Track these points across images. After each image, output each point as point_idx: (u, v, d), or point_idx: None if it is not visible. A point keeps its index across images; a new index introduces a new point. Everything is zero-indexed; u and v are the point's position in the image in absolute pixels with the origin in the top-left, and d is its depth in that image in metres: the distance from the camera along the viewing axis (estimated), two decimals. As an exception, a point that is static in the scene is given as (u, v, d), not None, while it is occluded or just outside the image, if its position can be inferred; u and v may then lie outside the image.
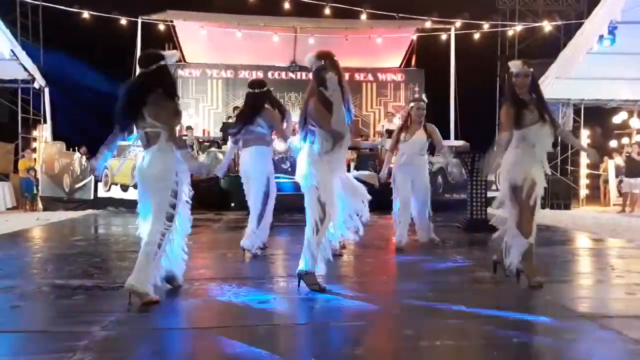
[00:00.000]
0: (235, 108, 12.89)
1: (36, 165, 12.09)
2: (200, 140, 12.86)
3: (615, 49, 11.36)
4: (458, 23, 13.67)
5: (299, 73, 15.39)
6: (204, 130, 14.72)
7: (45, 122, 12.63)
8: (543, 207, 12.37)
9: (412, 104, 6.02)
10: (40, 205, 11.51)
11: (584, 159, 14.18)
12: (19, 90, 12.43)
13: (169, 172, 3.41)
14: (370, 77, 15.70)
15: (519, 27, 14.18)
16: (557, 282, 4.10)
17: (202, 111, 15.27)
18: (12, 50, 11.10)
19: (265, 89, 5.17)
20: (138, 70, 3.58)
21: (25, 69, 11.71)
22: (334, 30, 14.01)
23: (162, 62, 3.48)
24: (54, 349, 2.46)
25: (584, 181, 14.14)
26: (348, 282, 4.08)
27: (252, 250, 5.02)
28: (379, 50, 14.78)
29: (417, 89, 15.48)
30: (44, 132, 12.80)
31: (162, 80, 3.47)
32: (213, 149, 11.72)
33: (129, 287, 3.21)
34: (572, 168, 14.25)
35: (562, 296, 3.60)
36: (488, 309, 3.19)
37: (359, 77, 15.67)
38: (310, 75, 3.77)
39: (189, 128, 12.57)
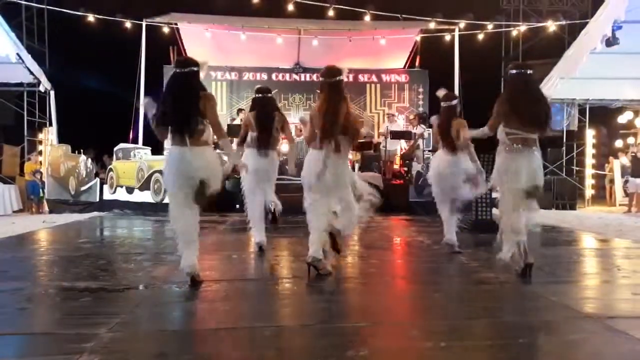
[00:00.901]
0: (239, 110, 12.90)
1: (42, 168, 12.16)
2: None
3: (620, 48, 11.33)
4: (462, 24, 13.63)
5: (303, 75, 15.39)
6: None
7: (50, 125, 12.69)
8: (548, 207, 12.37)
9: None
10: (46, 208, 11.57)
11: (589, 159, 14.14)
12: (25, 94, 12.50)
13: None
14: (374, 78, 15.67)
15: (523, 27, 14.14)
16: (563, 283, 4.10)
17: (207, 113, 15.28)
18: (17, 54, 11.17)
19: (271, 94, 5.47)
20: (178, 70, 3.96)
21: (31, 73, 11.77)
22: (337, 31, 14.00)
23: (192, 68, 3.92)
24: (61, 351, 2.47)
25: (589, 181, 14.08)
26: (352, 283, 4.08)
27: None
28: (383, 51, 14.75)
29: (421, 89, 15.46)
30: (49, 135, 12.87)
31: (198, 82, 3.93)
32: (217, 150, 11.72)
33: (192, 271, 3.73)
34: (577, 168, 14.20)
35: (567, 297, 3.59)
36: (493, 310, 3.19)
37: (362, 78, 15.65)
38: (326, 83, 4.16)
39: None
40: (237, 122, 11.88)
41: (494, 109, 4.28)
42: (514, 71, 4.26)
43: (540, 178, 4.10)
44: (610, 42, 10.92)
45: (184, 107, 3.75)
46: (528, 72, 4.22)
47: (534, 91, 4.20)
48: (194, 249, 3.85)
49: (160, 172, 10.60)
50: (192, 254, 3.82)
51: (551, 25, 13.35)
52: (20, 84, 12.28)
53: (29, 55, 11.67)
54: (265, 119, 5.29)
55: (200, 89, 3.89)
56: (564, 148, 14.09)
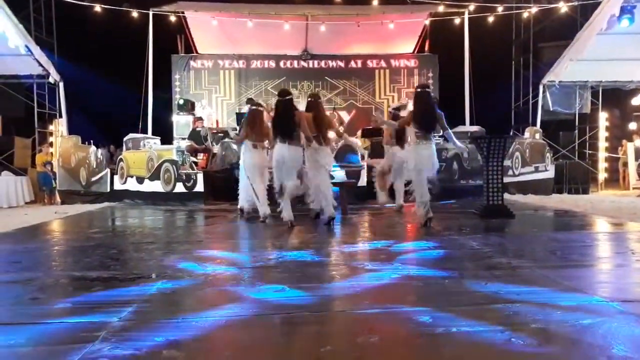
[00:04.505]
0: (249, 100, 12.86)
1: (53, 160, 12.24)
2: (213, 131, 12.90)
3: (633, 29, 11.13)
4: (472, 6, 13.45)
5: (311, 61, 15.30)
6: (217, 121, 14.76)
7: (60, 116, 12.75)
8: (561, 191, 12.27)
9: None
10: (58, 199, 11.66)
11: (602, 142, 13.96)
12: (35, 86, 12.55)
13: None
14: (383, 64, 15.56)
15: (534, 9, 13.91)
16: (576, 267, 4.06)
17: (215, 102, 15.30)
18: (26, 46, 11.21)
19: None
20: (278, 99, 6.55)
21: (40, 64, 11.81)
22: (345, 16, 13.88)
23: (290, 96, 6.53)
24: (73, 340, 2.48)
25: (602, 164, 13.93)
26: (362, 269, 4.07)
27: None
28: (392, 36, 14.61)
29: (431, 74, 15.32)
30: (59, 127, 12.94)
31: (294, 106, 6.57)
32: (227, 139, 11.72)
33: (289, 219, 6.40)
34: (590, 151, 14.04)
35: (581, 281, 3.56)
36: (505, 295, 3.16)
37: (371, 63, 15.54)
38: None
39: (199, 119, 12.58)
40: (244, 110, 11.86)
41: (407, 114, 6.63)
42: (418, 90, 6.47)
43: (436, 162, 6.28)
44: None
45: (285, 122, 6.36)
46: (427, 90, 6.50)
47: (429, 105, 6.28)
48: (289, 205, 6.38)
49: (169, 161, 10.64)
50: (289, 208, 6.35)
51: (563, 7, 13.12)
52: (30, 76, 12.34)
53: (38, 47, 11.70)
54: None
55: (295, 110, 6.48)
56: (576, 132, 13.92)
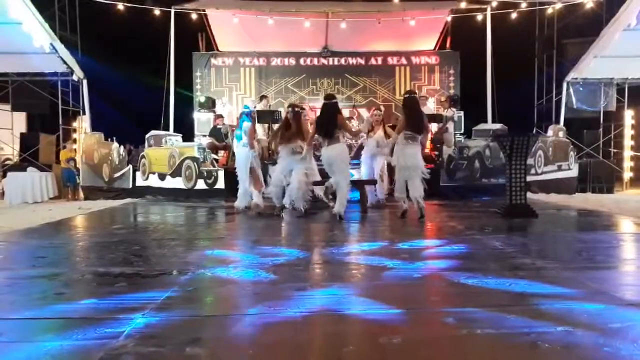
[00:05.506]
0: (262, 97, 12.91)
1: (76, 156, 12.42)
2: (233, 128, 12.96)
3: (661, 24, 10.87)
4: (494, 2, 13.27)
5: (331, 59, 15.27)
6: (237, 119, 14.80)
7: (84, 113, 12.93)
8: (584, 191, 12.06)
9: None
10: (81, 195, 11.84)
11: (628, 141, 13.68)
12: (59, 83, 12.75)
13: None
14: (403, 61, 15.43)
15: (558, 5, 13.66)
16: (602, 269, 3.98)
17: (236, 99, 15.36)
18: (51, 44, 11.39)
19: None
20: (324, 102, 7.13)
21: (64, 62, 11.99)
22: (365, 13, 13.81)
23: (335, 100, 7.07)
24: (98, 336, 2.52)
25: (628, 163, 13.64)
26: (384, 269, 4.04)
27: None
28: (413, 32, 14.49)
29: (452, 71, 15.17)
30: (83, 123, 13.13)
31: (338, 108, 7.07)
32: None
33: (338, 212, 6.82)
34: (615, 150, 13.75)
35: (607, 283, 3.49)
36: (530, 297, 3.12)
37: (392, 60, 15.44)
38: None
39: (220, 117, 12.67)
40: (260, 107, 11.93)
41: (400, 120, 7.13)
42: (406, 95, 7.00)
43: (420, 160, 6.84)
44: None
45: (328, 124, 6.83)
46: (414, 96, 7.01)
47: (417, 109, 6.95)
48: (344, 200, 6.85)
49: (190, 158, 10.72)
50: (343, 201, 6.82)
51: (588, 2, 12.86)
52: (55, 74, 12.53)
53: (62, 45, 11.88)
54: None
55: (338, 112, 6.92)
56: (600, 130, 13.65)
